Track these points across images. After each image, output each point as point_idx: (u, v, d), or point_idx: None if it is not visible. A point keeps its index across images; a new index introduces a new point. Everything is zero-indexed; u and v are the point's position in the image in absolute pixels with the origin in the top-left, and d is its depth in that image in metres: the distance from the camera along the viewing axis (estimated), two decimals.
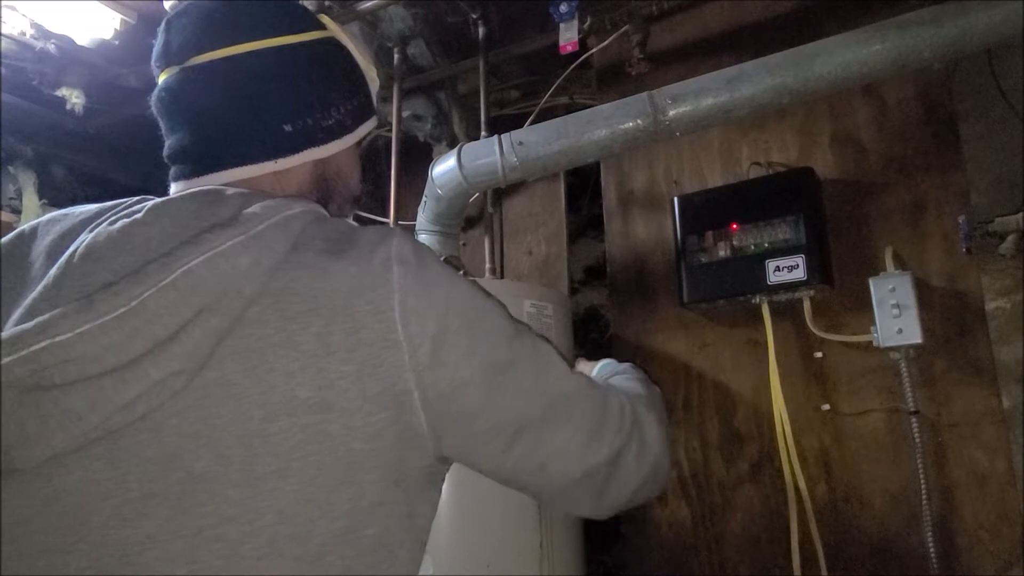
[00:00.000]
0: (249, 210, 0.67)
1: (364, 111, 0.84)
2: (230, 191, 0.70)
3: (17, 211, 2.58)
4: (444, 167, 1.89)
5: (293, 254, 0.66)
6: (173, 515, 0.59)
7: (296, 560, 0.60)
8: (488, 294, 0.74)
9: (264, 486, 0.60)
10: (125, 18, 1.98)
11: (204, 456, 0.59)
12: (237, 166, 0.75)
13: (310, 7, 0.87)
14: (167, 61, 0.77)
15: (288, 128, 0.76)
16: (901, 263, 1.69)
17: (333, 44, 0.82)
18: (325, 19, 0.84)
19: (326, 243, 0.68)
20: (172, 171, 0.78)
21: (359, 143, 0.87)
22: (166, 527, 0.58)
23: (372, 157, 2.73)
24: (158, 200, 0.69)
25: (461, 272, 1.80)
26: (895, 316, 1.59)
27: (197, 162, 0.76)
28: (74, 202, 0.77)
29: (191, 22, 0.77)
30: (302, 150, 0.77)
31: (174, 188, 0.77)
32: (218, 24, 0.76)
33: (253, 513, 0.59)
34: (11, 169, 2.55)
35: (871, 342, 1.64)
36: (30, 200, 2.56)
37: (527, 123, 1.96)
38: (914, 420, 1.62)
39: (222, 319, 0.61)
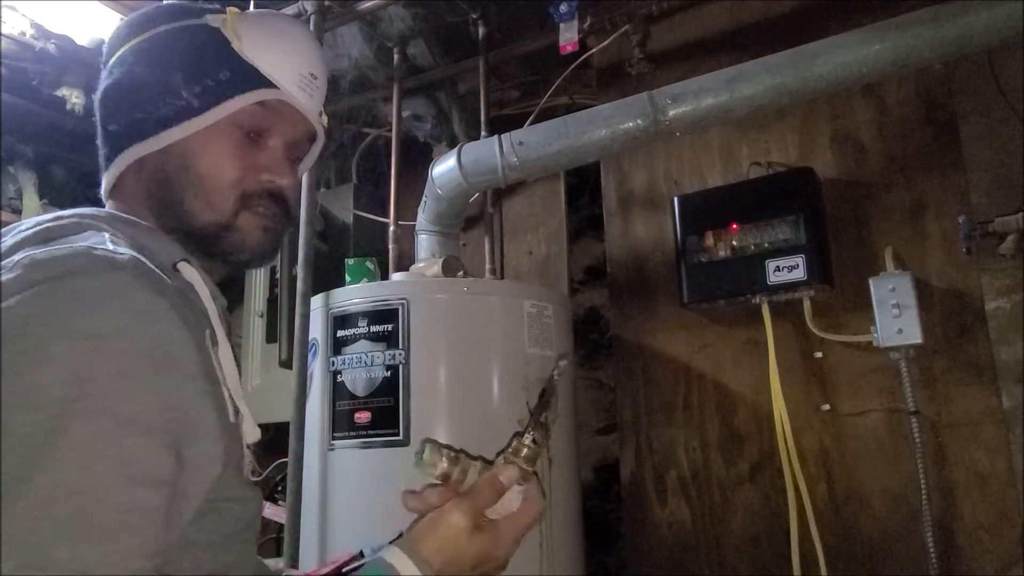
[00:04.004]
0: (25, 233, 0.62)
1: (226, 89, 0.71)
2: (47, 217, 0.64)
3: (17, 211, 2.58)
4: (444, 167, 1.89)
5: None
6: None
7: None
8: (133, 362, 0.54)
9: None
10: (125, 18, 1.98)
11: None
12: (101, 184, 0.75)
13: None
14: None
15: (112, 127, 0.73)
16: (901, 263, 1.69)
17: (183, 30, 0.74)
18: (204, 7, 0.77)
19: (32, 246, 0.59)
20: None
21: (247, 130, 0.73)
22: None
23: (372, 157, 2.73)
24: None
25: (460, 273, 1.80)
26: (895, 316, 1.59)
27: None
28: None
29: None
30: (126, 147, 0.71)
31: None
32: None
33: None
34: (11, 169, 2.55)
35: (871, 342, 1.64)
36: (30, 200, 2.56)
37: (527, 123, 1.96)
38: (914, 420, 1.62)
39: None
